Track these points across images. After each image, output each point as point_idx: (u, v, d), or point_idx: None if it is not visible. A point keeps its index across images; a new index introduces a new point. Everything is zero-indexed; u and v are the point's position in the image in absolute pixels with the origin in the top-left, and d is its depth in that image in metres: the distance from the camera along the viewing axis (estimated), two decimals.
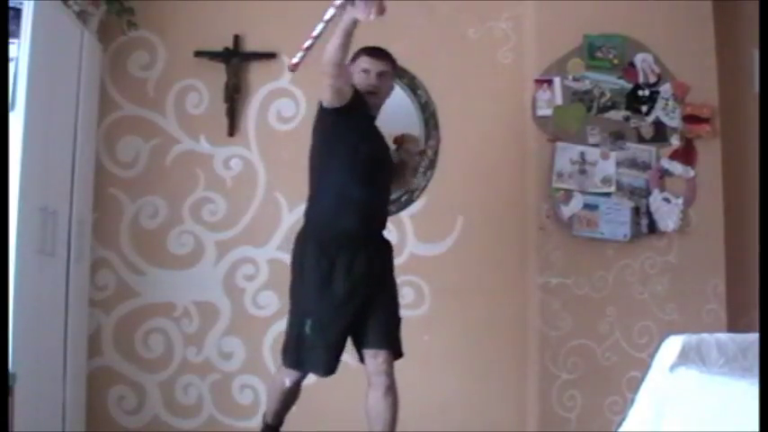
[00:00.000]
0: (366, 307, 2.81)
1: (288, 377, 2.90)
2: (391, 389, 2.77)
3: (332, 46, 2.64)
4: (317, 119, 2.91)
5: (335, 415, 3.54)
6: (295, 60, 2.68)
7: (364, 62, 2.91)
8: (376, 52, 2.94)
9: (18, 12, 2.84)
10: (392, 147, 3.05)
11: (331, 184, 2.86)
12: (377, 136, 2.97)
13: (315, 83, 2.88)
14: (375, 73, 2.90)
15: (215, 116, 3.84)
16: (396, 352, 2.86)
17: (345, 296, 2.78)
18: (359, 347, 2.86)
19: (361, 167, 2.84)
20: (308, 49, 2.64)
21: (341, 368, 2.86)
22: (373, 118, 2.97)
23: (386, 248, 2.99)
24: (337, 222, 2.83)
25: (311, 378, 3.07)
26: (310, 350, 2.79)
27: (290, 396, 2.96)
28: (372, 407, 2.78)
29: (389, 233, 3.79)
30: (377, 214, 2.95)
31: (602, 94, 3.84)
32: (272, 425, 3.02)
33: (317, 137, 2.93)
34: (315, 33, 2.63)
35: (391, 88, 3.03)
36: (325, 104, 2.82)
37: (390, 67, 2.97)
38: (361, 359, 2.86)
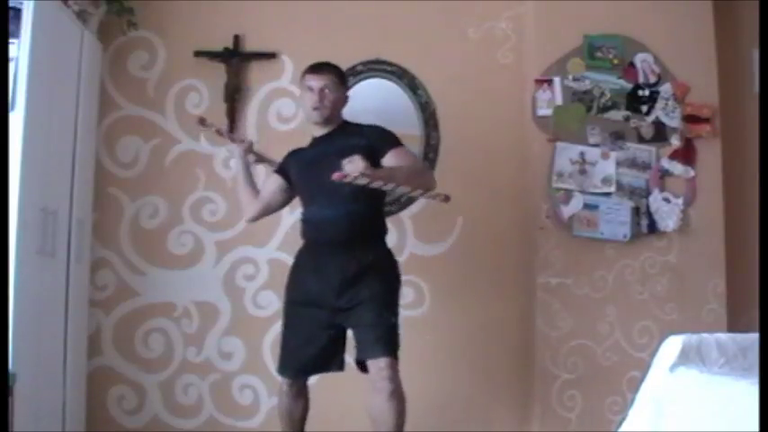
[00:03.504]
0: (352, 314, 2.81)
1: (283, 383, 3.00)
2: (396, 392, 2.72)
3: (246, 203, 3.15)
4: None
5: (336, 415, 3.55)
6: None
7: (307, 79, 2.96)
8: (316, 68, 2.98)
9: (18, 12, 2.85)
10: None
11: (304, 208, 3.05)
12: (324, 157, 2.85)
13: None
14: (317, 89, 2.92)
15: (215, 116, 3.83)
16: (395, 355, 2.81)
17: (316, 301, 2.86)
18: (361, 359, 2.83)
19: (312, 193, 2.97)
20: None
21: None
22: (324, 136, 2.98)
23: (368, 253, 2.90)
24: (310, 236, 2.98)
25: (312, 378, 3.07)
26: (292, 355, 2.94)
27: (293, 403, 2.98)
28: (377, 410, 2.73)
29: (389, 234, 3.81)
30: (350, 224, 2.88)
31: (602, 94, 3.84)
32: None
33: None
34: None
35: (340, 100, 2.99)
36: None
37: (333, 80, 2.95)
38: (362, 369, 2.83)
